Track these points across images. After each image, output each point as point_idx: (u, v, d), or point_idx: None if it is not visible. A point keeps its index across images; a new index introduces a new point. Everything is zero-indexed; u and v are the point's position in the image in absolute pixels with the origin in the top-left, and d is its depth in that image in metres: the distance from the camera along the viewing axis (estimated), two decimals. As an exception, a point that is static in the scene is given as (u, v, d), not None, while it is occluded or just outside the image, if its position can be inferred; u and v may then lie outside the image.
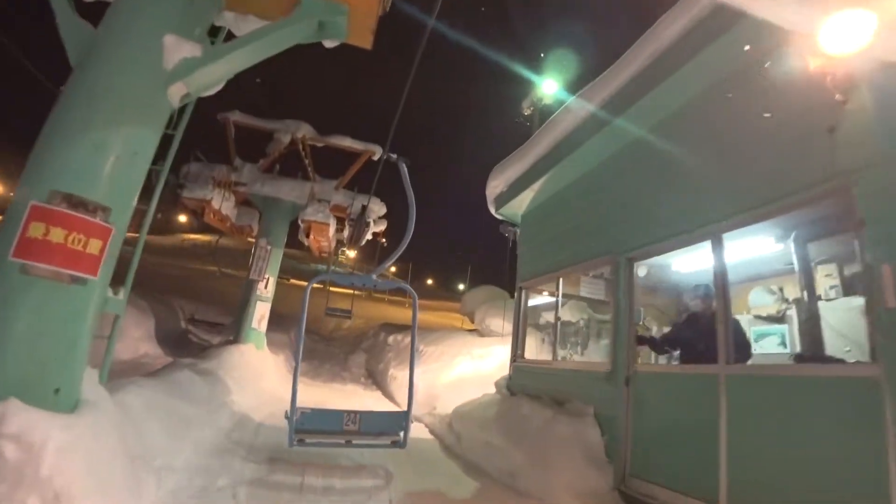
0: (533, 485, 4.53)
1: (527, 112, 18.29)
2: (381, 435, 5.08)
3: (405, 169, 5.59)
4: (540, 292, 7.34)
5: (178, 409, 4.72)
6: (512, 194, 7.28)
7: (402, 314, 30.42)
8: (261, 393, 8.25)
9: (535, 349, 9.28)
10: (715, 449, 3.46)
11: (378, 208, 11.50)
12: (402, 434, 4.94)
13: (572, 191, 6.41)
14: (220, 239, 13.51)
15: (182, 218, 61.29)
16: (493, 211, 7.91)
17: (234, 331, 10.66)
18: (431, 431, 7.24)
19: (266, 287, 10.67)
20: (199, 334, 14.44)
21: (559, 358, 5.81)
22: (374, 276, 5.61)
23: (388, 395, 10.86)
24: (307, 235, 10.56)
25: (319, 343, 19.83)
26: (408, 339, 13.18)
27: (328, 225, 10.25)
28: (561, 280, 6.26)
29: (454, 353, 10.08)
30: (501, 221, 8.19)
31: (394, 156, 5.73)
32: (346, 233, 11.29)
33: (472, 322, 14.72)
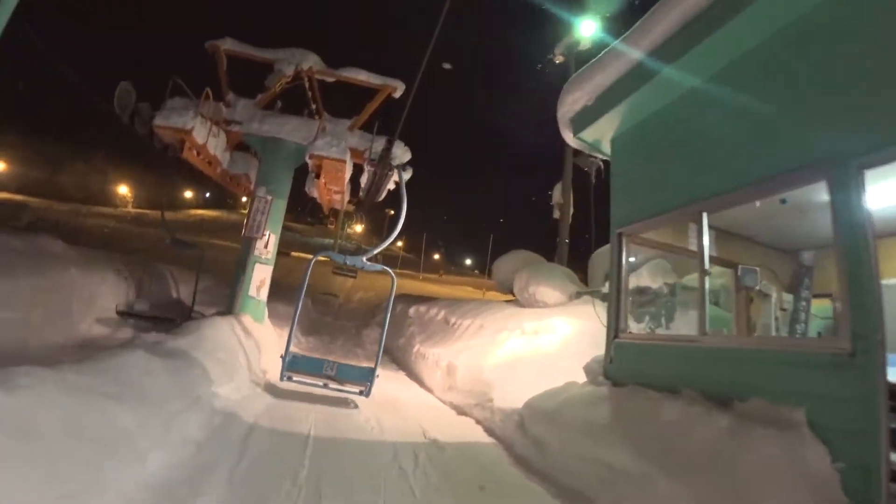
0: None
1: (559, 60, 15.97)
2: (352, 383, 6.29)
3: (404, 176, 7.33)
4: (642, 243, 5.30)
5: (107, 418, 2.80)
6: (601, 109, 5.20)
7: (418, 286, 28.64)
8: (259, 377, 6.35)
9: (592, 329, 7.34)
10: None
11: (402, 153, 9.42)
12: (368, 385, 6.25)
13: (702, 96, 4.34)
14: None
15: (188, 193, 59.65)
16: (568, 137, 5.84)
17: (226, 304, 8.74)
18: (489, 432, 5.34)
19: (266, 246, 8.71)
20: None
21: (708, 331, 3.81)
22: (363, 259, 7.06)
23: (416, 377, 8.99)
24: (317, 176, 8.49)
25: (328, 316, 18.02)
26: (433, 311, 11.27)
27: (343, 164, 8.18)
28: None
29: (497, 327, 8.14)
30: (577, 154, 6.12)
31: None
32: (364, 180, 9.22)
33: (507, 291, 12.78)
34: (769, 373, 3.33)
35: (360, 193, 10.39)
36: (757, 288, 5.89)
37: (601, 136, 5.58)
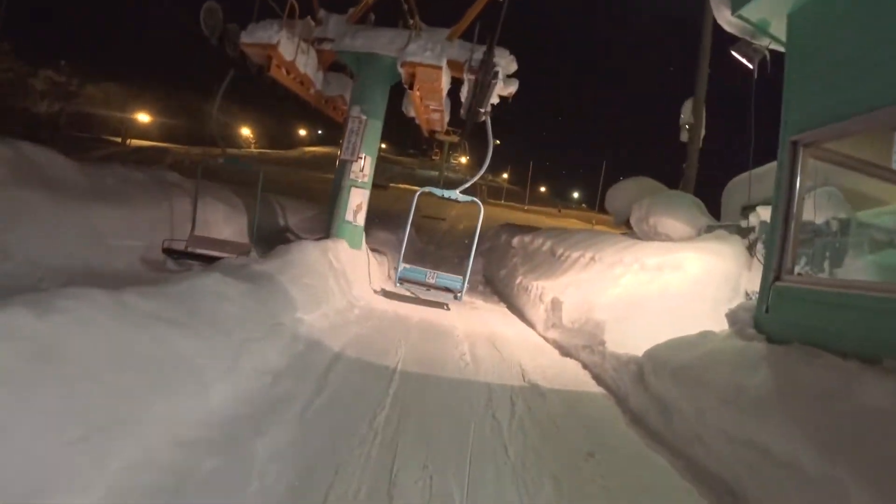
0: None
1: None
2: (447, 290, 8.13)
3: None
4: (824, 157, 3.94)
5: (163, 345, 2.52)
6: (774, -32, 3.77)
7: (523, 217, 27.76)
8: (350, 305, 6.15)
9: (728, 270, 6.07)
10: None
11: (507, 63, 8.31)
12: (459, 291, 8.07)
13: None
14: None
15: (302, 131, 62.69)
16: (723, 17, 4.45)
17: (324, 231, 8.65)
18: (598, 379, 4.62)
19: (363, 169, 8.35)
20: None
21: None
22: (457, 192, 8.61)
23: (517, 311, 8.41)
24: (410, 87, 7.77)
25: (430, 245, 17.96)
26: (538, 241, 10.43)
27: (439, 72, 7.34)
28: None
29: (611, 261, 7.14)
30: (733, 43, 4.69)
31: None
32: (464, 91, 8.32)
33: (622, 224, 11.48)
34: None
35: (461, 112, 9.53)
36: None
37: (773, 9, 4.12)
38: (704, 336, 3.75)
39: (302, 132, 63.85)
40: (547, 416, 3.58)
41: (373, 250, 9.83)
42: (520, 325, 7.55)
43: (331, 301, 5.51)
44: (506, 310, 8.83)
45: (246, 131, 56.76)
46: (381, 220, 16.37)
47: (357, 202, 8.46)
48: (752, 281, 5.93)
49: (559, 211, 45.07)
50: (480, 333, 6.32)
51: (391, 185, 35.05)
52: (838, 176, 5.30)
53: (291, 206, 13.30)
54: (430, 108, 9.22)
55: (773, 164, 5.39)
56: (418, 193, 8.72)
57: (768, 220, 6.71)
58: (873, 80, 3.31)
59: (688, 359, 3.44)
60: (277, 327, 3.82)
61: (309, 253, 5.47)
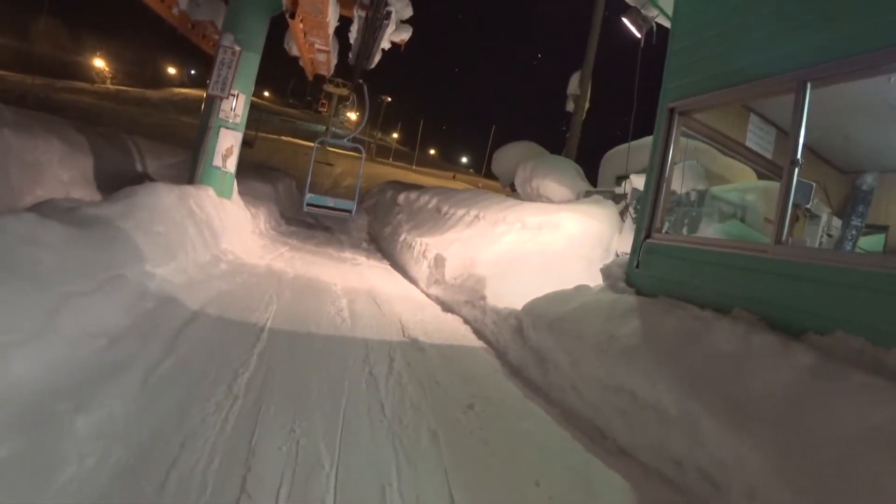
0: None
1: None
2: (343, 210, 9.49)
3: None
4: (695, 127, 4.21)
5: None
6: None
7: (412, 177, 27.48)
8: (215, 259, 5.52)
9: (602, 232, 6.49)
10: None
11: (401, 6, 7.80)
12: (351, 212, 9.53)
13: None
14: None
15: (171, 70, 55.00)
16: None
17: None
18: (479, 334, 4.66)
19: (234, 108, 7.44)
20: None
21: (786, 240, 2.93)
22: (345, 140, 11.64)
23: (401, 269, 8.27)
24: (292, 16, 6.96)
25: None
26: (424, 198, 10.31)
27: (325, 4, 6.65)
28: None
29: (494, 219, 7.25)
30: (625, 10, 4.77)
31: None
32: (353, 33, 7.68)
33: (507, 186, 11.78)
34: (871, 304, 2.49)
35: (350, 56, 8.87)
36: (808, 207, 4.97)
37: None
38: (580, 290, 3.90)
39: (171, 70, 56.31)
40: (426, 370, 3.49)
41: (248, 203, 8.97)
42: (403, 282, 7.42)
43: (190, 254, 4.85)
44: (389, 267, 8.64)
45: (100, 63, 48.36)
46: (258, 171, 15.09)
47: (227, 145, 7.56)
48: (622, 243, 6.37)
49: (454, 177, 45.03)
50: (361, 290, 6.08)
51: (272, 136, 32.56)
52: (694, 156, 5.83)
53: (152, 149, 11.62)
54: (315, 46, 8.43)
55: (648, 138, 5.74)
56: (316, 143, 10.94)
57: (640, 188, 7.26)
58: (740, 57, 3.55)
59: (564, 311, 3.54)
60: (116, 281, 3.22)
61: (162, 197, 4.71)
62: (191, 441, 2.09)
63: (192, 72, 54.86)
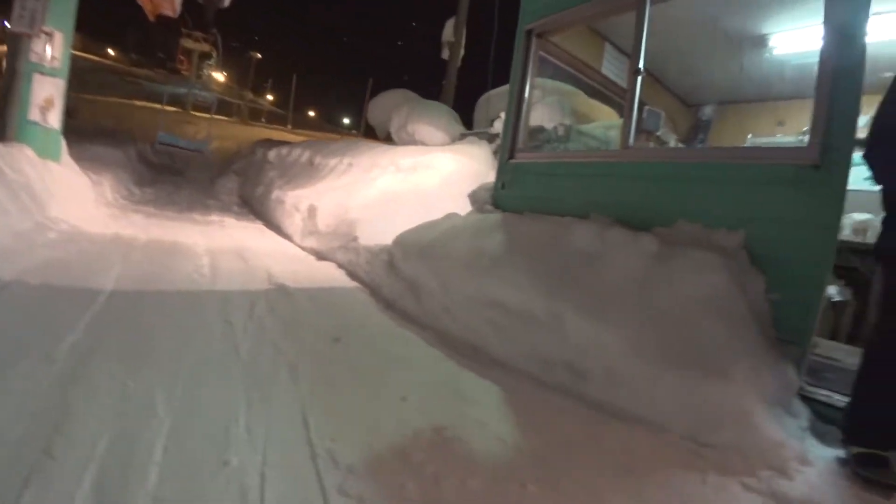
0: (644, 401, 2.00)
1: None
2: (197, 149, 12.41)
3: None
4: (554, 53, 4.22)
5: None
6: None
7: (284, 137, 25.75)
8: (40, 227, 4.66)
9: (476, 170, 6.52)
10: None
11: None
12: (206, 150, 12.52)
13: None
14: None
15: None
16: None
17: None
18: (353, 276, 4.43)
19: (51, 49, 6.18)
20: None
21: (632, 144, 3.03)
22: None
23: (275, 226, 7.71)
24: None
25: (178, 162, 15.33)
26: (296, 153, 9.66)
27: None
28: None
29: (367, 164, 6.97)
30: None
31: None
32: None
33: (384, 136, 11.40)
34: (704, 193, 2.70)
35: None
36: (658, 133, 5.35)
37: None
38: (448, 217, 3.83)
39: None
40: (291, 314, 3.24)
41: (91, 169, 7.70)
42: (276, 238, 6.92)
43: (3, 220, 4.01)
44: (262, 227, 8.02)
45: None
46: (107, 136, 13.08)
47: (45, 95, 6.32)
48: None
49: (342, 137, 42.74)
50: (227, 248, 5.53)
51: (123, 100, 28.39)
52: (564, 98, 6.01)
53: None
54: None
55: None
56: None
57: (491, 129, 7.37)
58: None
59: (433, 236, 3.45)
60: None
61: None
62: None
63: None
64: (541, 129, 5.58)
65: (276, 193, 8.26)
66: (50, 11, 6.03)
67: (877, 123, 1.79)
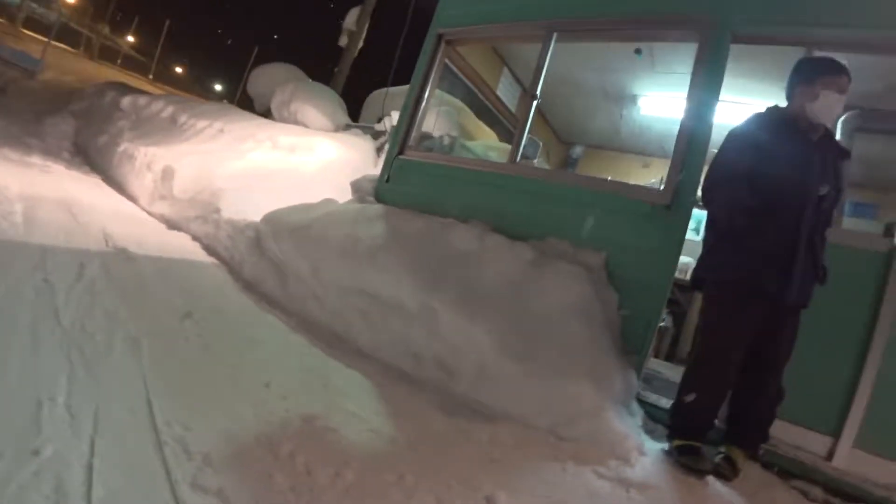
0: (510, 398, 2.08)
1: None
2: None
3: None
4: (457, 62, 4.28)
5: None
6: None
7: (137, 83, 22.62)
8: None
9: (357, 162, 6.42)
10: None
11: None
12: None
13: None
14: None
15: None
16: None
17: None
18: (210, 250, 3.99)
19: None
20: None
21: (520, 161, 3.17)
22: None
23: (117, 183, 6.68)
24: None
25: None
26: (157, 105, 8.53)
27: None
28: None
29: (241, 135, 6.41)
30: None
31: None
32: None
33: (262, 110, 10.59)
34: (575, 214, 2.96)
35: None
36: (534, 161, 5.79)
37: None
38: (326, 202, 3.66)
39: None
40: (133, 281, 2.81)
41: None
42: (118, 197, 6.00)
43: None
44: (100, 181, 6.90)
45: None
46: None
47: None
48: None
49: (223, 102, 37.86)
50: (50, 198, 4.63)
51: None
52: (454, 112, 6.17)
53: None
54: None
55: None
56: None
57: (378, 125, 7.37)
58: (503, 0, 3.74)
59: (308, 219, 3.25)
60: None
61: None
62: None
63: None
64: (428, 136, 5.67)
65: (124, 146, 7.16)
66: None
67: (712, 173, 2.15)
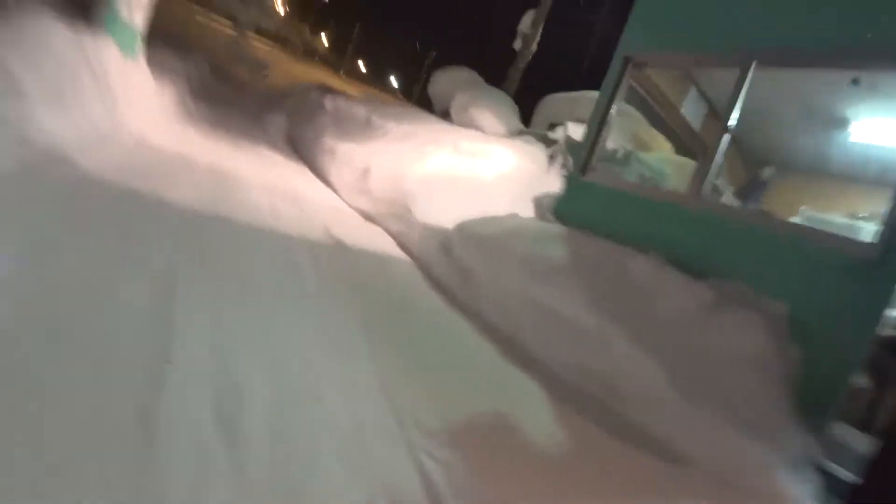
0: (675, 432, 2.21)
1: None
2: None
3: None
4: (643, 82, 4.31)
5: None
6: None
7: (335, 83, 25.65)
8: (115, 126, 4.85)
9: (530, 170, 6.60)
10: None
11: None
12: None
13: None
14: None
15: None
16: None
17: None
18: (403, 247, 4.62)
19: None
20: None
21: (708, 191, 3.18)
22: None
23: (321, 174, 7.89)
24: None
25: (228, 87, 15.42)
26: (353, 107, 9.76)
27: None
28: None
29: (426, 138, 7.06)
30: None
31: None
32: None
33: (441, 110, 11.45)
34: (760, 258, 2.85)
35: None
36: (716, 182, 5.47)
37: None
38: (512, 216, 4.00)
39: None
40: (352, 268, 3.44)
41: (156, 76, 7.85)
42: (323, 189, 7.11)
43: (86, 111, 4.19)
44: (308, 172, 8.20)
45: None
46: (170, 43, 13.14)
47: (138, -6, 6.45)
48: (545, 186, 6.59)
49: (394, 98, 41.03)
50: (279, 190, 5.72)
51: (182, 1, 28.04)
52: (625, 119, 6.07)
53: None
54: None
55: (585, 92, 5.75)
56: None
57: (575, 137, 7.45)
58: (698, 27, 3.66)
59: (494, 232, 3.61)
60: (-5, 116, 2.69)
61: (56, 33, 3.95)
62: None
63: None
64: (602, 148, 5.71)
65: (327, 142, 8.41)
66: None
67: None
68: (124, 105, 5.61)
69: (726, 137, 3.37)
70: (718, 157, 3.38)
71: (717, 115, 5.63)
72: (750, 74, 3.36)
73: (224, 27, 25.00)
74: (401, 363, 2.31)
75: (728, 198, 5.86)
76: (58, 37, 4.04)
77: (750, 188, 6.41)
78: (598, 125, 4.03)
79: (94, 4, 6.06)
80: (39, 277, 1.86)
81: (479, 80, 10.75)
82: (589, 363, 2.61)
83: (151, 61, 8.36)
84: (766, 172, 6.33)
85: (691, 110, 5.40)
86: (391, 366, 2.24)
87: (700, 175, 3.37)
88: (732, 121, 3.40)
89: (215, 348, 1.89)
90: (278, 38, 24.62)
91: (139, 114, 6.06)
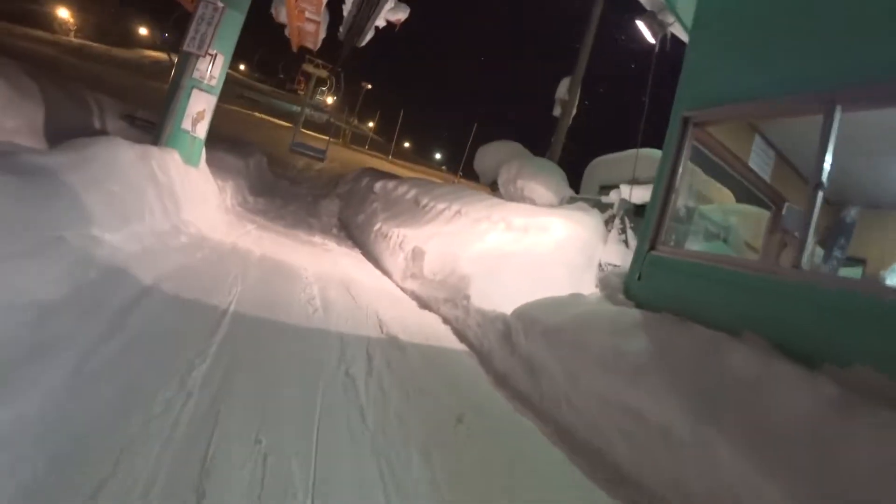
0: None
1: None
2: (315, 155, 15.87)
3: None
4: (705, 141, 4.00)
5: None
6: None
7: (383, 166, 26.78)
8: (175, 230, 4.99)
9: (587, 239, 6.26)
10: None
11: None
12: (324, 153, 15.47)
13: None
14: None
15: (143, 30, 51.34)
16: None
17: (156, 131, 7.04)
18: (461, 336, 4.32)
19: (211, 70, 6.85)
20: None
21: (805, 265, 2.75)
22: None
23: (373, 258, 7.86)
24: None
25: (284, 180, 16.30)
26: (402, 189, 9.90)
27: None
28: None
29: (477, 216, 6.94)
30: (641, 14, 4.54)
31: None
32: (347, 5, 7.20)
33: (488, 183, 11.51)
34: (892, 337, 2.32)
35: (340, 31, 8.38)
36: (797, 233, 4.92)
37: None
38: (575, 298, 3.64)
39: (143, 31, 51.94)
40: (409, 374, 3.15)
41: (216, 176, 8.35)
42: (376, 272, 7.03)
43: (147, 220, 4.33)
44: (361, 256, 8.22)
45: (64, 13, 44.36)
46: (229, 144, 14.25)
47: (199, 108, 6.96)
48: (605, 253, 6.21)
49: (455, 175, 38.06)
50: (332, 277, 5.66)
51: (245, 110, 30.82)
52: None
53: (116, 107, 10.63)
54: (304, 14, 7.89)
55: (632, 151, 5.45)
56: (291, 146, 15.84)
57: (627, 198, 7.11)
58: (767, 71, 3.36)
59: (560, 320, 3.26)
60: (55, 244, 2.73)
61: (121, 153, 4.16)
62: (128, 454, 1.68)
63: (166, 35, 51.14)
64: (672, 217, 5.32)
65: (379, 225, 8.46)
66: (216, 36, 6.68)
67: None
68: (186, 209, 5.86)
69: (820, 195, 2.96)
70: (814, 219, 2.95)
71: (789, 163, 5.17)
72: (836, 123, 2.99)
73: (281, 124, 27.07)
74: (467, 499, 1.96)
75: (812, 249, 5.24)
76: (126, 156, 4.27)
77: (835, 233, 5.74)
78: (664, 193, 3.70)
79: (164, 124, 6.56)
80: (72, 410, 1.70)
81: (524, 151, 10.77)
82: (688, 478, 2.14)
83: (213, 163, 8.93)
84: (852, 213, 5.68)
85: (758, 161, 4.97)
86: (458, 502, 1.89)
87: (799, 245, 2.94)
88: (824, 175, 2.99)
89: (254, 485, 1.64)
90: (329, 127, 26.27)
91: (200, 215, 6.31)
